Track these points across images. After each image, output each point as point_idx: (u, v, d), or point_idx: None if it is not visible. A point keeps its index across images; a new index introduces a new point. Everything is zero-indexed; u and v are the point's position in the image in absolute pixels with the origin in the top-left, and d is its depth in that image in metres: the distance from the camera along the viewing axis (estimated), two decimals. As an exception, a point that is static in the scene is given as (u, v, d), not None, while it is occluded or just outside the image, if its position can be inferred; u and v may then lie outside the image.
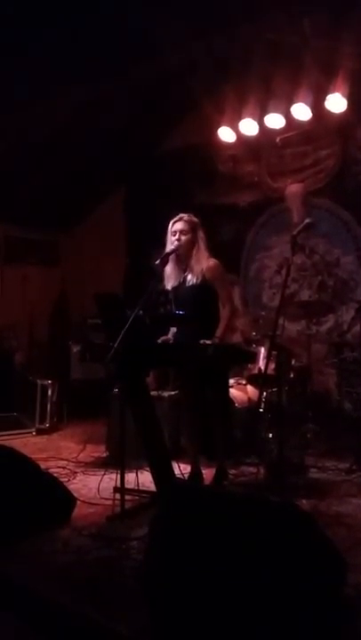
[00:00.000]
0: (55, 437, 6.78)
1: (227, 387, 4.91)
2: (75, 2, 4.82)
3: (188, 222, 4.52)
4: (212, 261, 4.53)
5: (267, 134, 6.59)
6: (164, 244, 4.58)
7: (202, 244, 4.53)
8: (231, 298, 4.71)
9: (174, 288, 4.59)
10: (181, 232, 4.48)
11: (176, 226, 4.52)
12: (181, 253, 4.51)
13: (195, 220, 4.57)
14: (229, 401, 5.21)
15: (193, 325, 4.40)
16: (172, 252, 4.49)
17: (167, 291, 4.65)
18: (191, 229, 4.50)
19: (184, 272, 4.57)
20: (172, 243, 4.51)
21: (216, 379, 4.58)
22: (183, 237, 4.47)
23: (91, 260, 8.70)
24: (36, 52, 5.30)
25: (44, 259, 8.98)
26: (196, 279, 4.48)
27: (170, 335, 4.63)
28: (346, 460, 4.99)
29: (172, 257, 4.54)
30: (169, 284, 4.62)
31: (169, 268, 4.60)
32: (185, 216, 4.56)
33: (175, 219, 4.55)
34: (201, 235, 4.55)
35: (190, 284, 4.52)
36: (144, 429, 4.19)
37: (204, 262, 4.49)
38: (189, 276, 4.53)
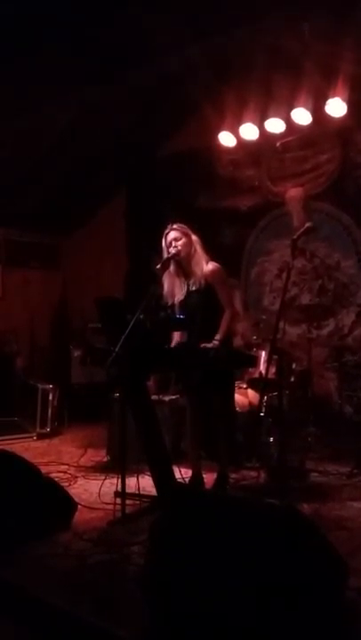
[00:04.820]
0: (56, 442, 6.78)
1: (229, 392, 4.90)
2: (74, 6, 4.83)
3: (180, 230, 4.57)
4: (213, 265, 4.56)
5: (267, 139, 6.59)
6: (162, 255, 4.60)
7: (198, 247, 4.58)
8: (232, 301, 4.72)
9: (181, 300, 4.61)
10: (176, 239, 4.53)
11: (170, 236, 4.56)
12: (181, 258, 4.53)
13: (185, 226, 4.62)
14: (233, 406, 5.19)
15: (200, 330, 4.42)
16: (173, 256, 4.50)
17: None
18: (184, 234, 4.56)
19: (186, 281, 4.59)
20: (169, 252, 4.54)
21: (219, 383, 4.57)
22: (179, 242, 4.51)
23: (91, 264, 8.71)
24: (35, 57, 5.30)
25: (45, 263, 8.99)
26: (199, 285, 4.51)
27: (173, 342, 4.63)
28: (347, 463, 4.99)
29: (171, 268, 4.57)
30: (176, 299, 4.62)
31: (169, 283, 4.63)
32: (174, 225, 4.60)
33: (166, 231, 4.60)
34: (195, 238, 4.60)
35: (194, 288, 4.54)
36: (145, 433, 4.19)
37: (203, 264, 4.52)
38: (192, 282, 4.55)
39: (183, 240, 4.52)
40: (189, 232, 4.59)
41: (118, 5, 4.93)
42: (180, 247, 4.50)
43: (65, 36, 5.09)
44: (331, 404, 6.16)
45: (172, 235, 4.54)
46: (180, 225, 4.60)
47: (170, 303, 4.65)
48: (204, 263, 4.53)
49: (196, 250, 4.56)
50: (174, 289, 4.63)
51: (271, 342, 4.21)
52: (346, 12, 5.12)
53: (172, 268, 4.59)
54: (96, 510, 4.13)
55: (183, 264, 4.57)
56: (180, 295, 4.60)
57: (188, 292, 4.57)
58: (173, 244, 4.51)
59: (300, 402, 5.60)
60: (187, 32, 5.14)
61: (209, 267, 4.53)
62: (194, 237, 4.59)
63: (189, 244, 4.55)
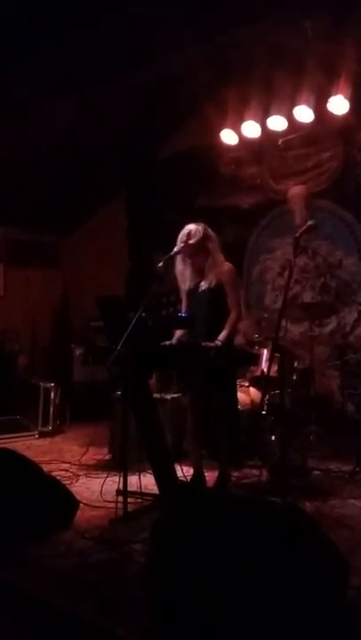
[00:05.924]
0: (58, 440, 6.79)
1: (230, 391, 4.88)
2: (74, 6, 4.82)
3: (194, 246, 4.47)
4: (227, 265, 4.56)
5: (269, 136, 6.58)
6: (171, 249, 4.58)
7: (215, 255, 4.55)
8: (240, 304, 4.70)
9: (189, 291, 4.63)
10: (191, 256, 4.52)
11: (186, 251, 4.52)
12: (193, 262, 4.55)
13: (201, 233, 4.51)
14: (236, 405, 5.17)
15: (204, 329, 4.42)
16: (175, 254, 4.50)
17: (172, 292, 4.66)
18: (200, 247, 4.50)
19: (198, 276, 4.59)
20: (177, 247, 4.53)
21: (219, 382, 4.57)
22: (193, 259, 4.52)
23: (92, 263, 8.71)
24: (36, 57, 5.30)
25: (46, 262, 9.01)
26: (210, 284, 4.51)
27: (174, 339, 4.63)
28: (349, 462, 4.98)
29: (186, 260, 4.57)
30: (185, 285, 4.65)
31: (181, 269, 4.63)
32: (192, 230, 4.51)
33: (183, 238, 4.49)
34: (211, 245, 4.54)
35: (203, 288, 4.54)
36: (146, 432, 4.19)
37: (217, 268, 4.52)
38: (203, 282, 4.56)
39: (198, 258, 4.52)
40: (206, 240, 4.51)
41: (118, 5, 4.92)
42: (193, 260, 4.52)
43: (65, 36, 5.08)
44: (333, 403, 6.15)
45: (189, 250, 4.49)
46: (197, 230, 4.49)
47: (185, 287, 4.66)
48: (218, 266, 4.52)
49: (212, 259, 4.52)
50: (186, 276, 4.64)
51: (273, 340, 4.19)
52: (347, 9, 5.11)
53: (186, 260, 4.60)
54: (98, 509, 4.13)
55: (196, 264, 4.58)
56: (190, 284, 4.62)
57: (197, 290, 4.58)
58: (187, 256, 4.51)
59: (302, 400, 5.60)
60: (187, 32, 5.13)
61: (223, 267, 4.53)
62: (209, 244, 4.52)
63: (205, 255, 4.52)
